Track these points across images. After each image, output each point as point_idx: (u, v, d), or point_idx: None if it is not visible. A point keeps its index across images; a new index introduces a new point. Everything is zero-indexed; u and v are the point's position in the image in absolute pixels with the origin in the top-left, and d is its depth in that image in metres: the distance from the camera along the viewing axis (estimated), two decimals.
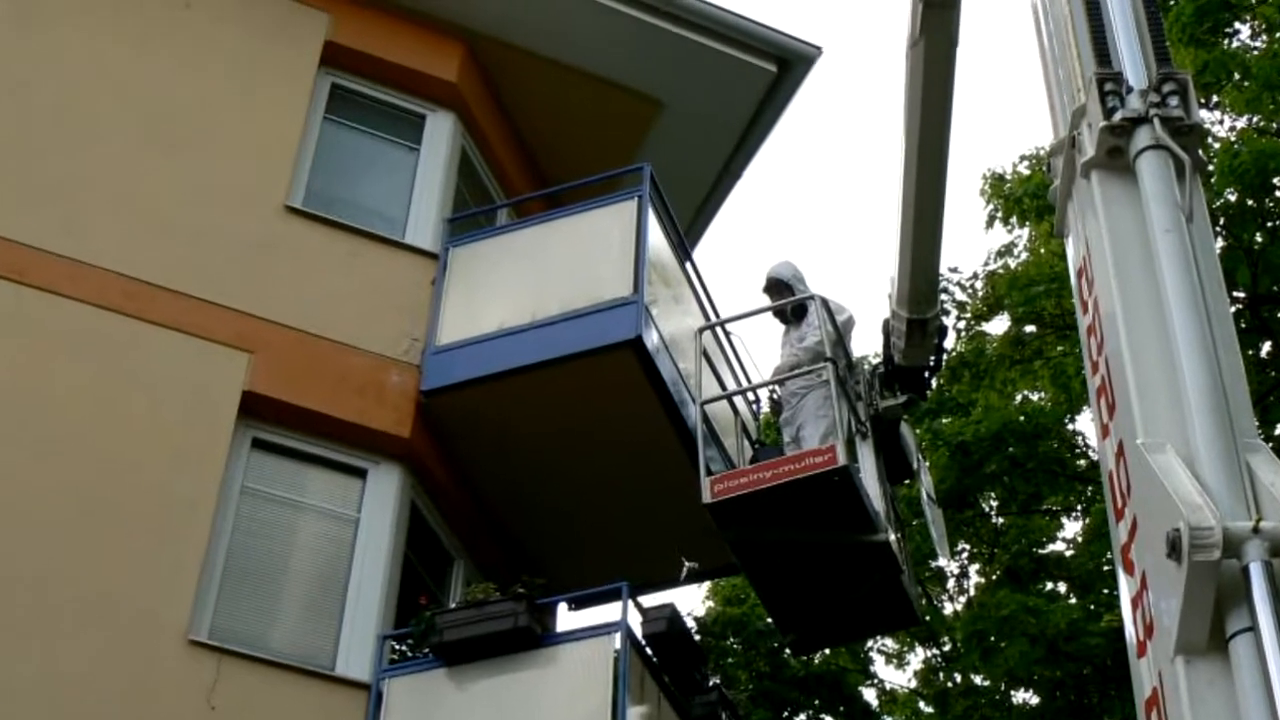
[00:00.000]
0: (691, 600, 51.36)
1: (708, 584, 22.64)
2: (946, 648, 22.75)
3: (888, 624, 14.04)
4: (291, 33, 12.45)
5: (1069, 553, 21.42)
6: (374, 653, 10.27)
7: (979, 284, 20.85)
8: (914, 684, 23.91)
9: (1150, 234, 6.18)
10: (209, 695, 9.54)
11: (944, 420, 19.99)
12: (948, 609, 22.75)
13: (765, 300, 12.02)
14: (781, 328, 12.00)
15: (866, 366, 12.13)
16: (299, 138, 12.01)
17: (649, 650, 10.54)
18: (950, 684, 22.26)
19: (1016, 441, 19.18)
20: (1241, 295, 17.15)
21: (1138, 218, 6.31)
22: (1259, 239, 17.17)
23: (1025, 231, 20.66)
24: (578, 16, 13.19)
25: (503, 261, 11.96)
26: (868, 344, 19.05)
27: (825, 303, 11.30)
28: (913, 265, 10.79)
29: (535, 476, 11.87)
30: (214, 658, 9.70)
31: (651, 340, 11.07)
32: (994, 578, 21.41)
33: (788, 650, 19.23)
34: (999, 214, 20.45)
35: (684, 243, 12.95)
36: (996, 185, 20.63)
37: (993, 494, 20.89)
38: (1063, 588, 21.09)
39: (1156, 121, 6.42)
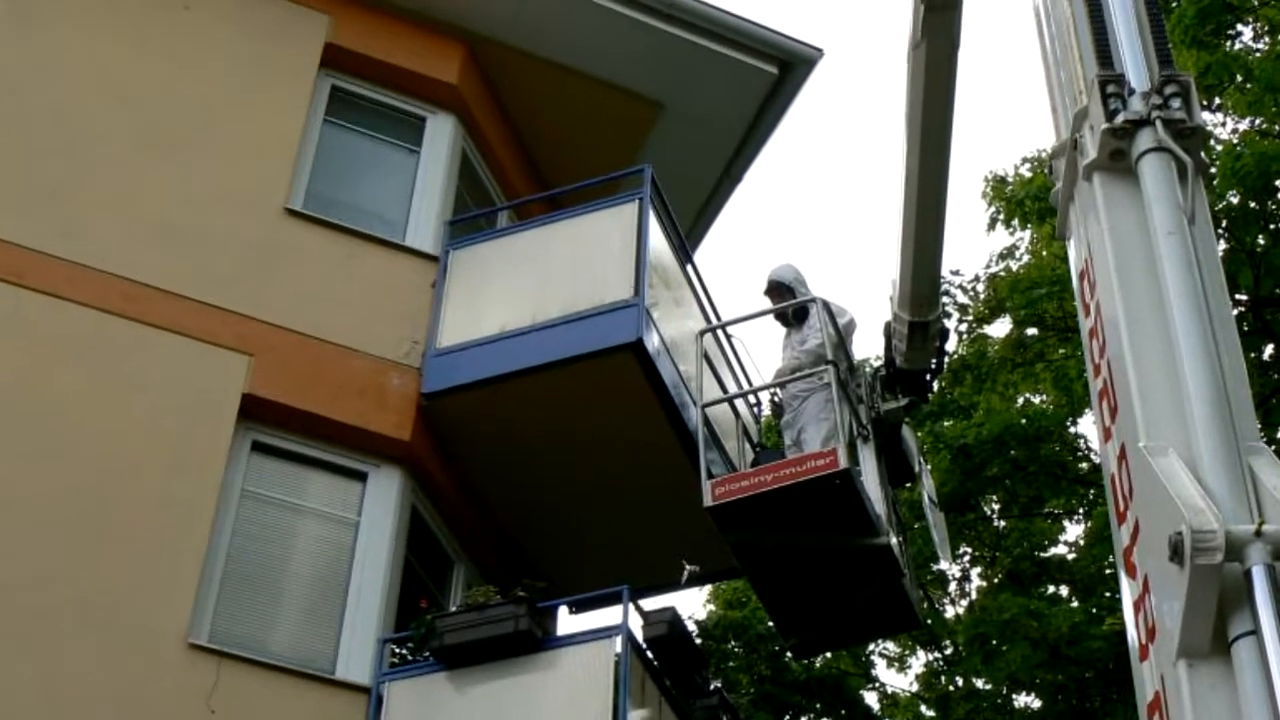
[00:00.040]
0: (693, 604, 51.27)
1: (709, 587, 22.65)
2: (948, 651, 22.73)
3: (889, 627, 14.02)
4: (291, 34, 12.44)
5: (1071, 556, 21.40)
6: (374, 656, 10.25)
7: (981, 286, 20.83)
8: (915, 687, 23.90)
9: (1152, 236, 6.17)
10: (209, 699, 9.52)
11: (946, 423, 19.98)
12: (949, 612, 22.74)
13: (766, 303, 11.99)
14: (783, 330, 11.97)
15: (868, 369, 12.11)
16: (299, 140, 11.99)
17: (650, 654, 10.52)
18: (952, 688, 22.23)
19: (1018, 444, 19.17)
20: (1244, 298, 17.14)
21: (1140, 220, 6.31)
22: (1261, 241, 17.15)
23: (1027, 234, 20.65)
24: (578, 18, 13.18)
25: (503, 264, 11.95)
26: (869, 347, 19.02)
27: (826, 305, 11.28)
28: (914, 268, 10.78)
29: (536, 480, 11.85)
30: (214, 661, 9.68)
31: (652, 343, 11.05)
32: (996, 581, 21.39)
33: (789, 654, 19.19)
34: (1001, 216, 20.42)
35: (685, 245, 12.94)
36: (998, 187, 20.60)
37: (994, 497, 20.88)
38: (1065, 591, 21.07)
39: (1159, 124, 6.42)
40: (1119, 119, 6.51)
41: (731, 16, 13.42)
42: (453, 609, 10.72)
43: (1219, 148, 16.86)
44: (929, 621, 20.54)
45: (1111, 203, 6.50)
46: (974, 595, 22.28)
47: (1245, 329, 16.62)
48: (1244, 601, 5.04)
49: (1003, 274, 20.52)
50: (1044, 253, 20.17)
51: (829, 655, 21.55)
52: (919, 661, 23.96)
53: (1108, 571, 19.21)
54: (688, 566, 11.14)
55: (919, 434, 17.54)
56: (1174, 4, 17.28)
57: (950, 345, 16.64)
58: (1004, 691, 20.76)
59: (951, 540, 18.93)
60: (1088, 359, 6.78)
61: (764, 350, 46.78)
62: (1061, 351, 19.48)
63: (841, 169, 62.77)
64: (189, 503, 10.15)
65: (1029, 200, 19.58)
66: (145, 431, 10.28)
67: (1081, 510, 21.24)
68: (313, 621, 10.49)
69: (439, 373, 11.34)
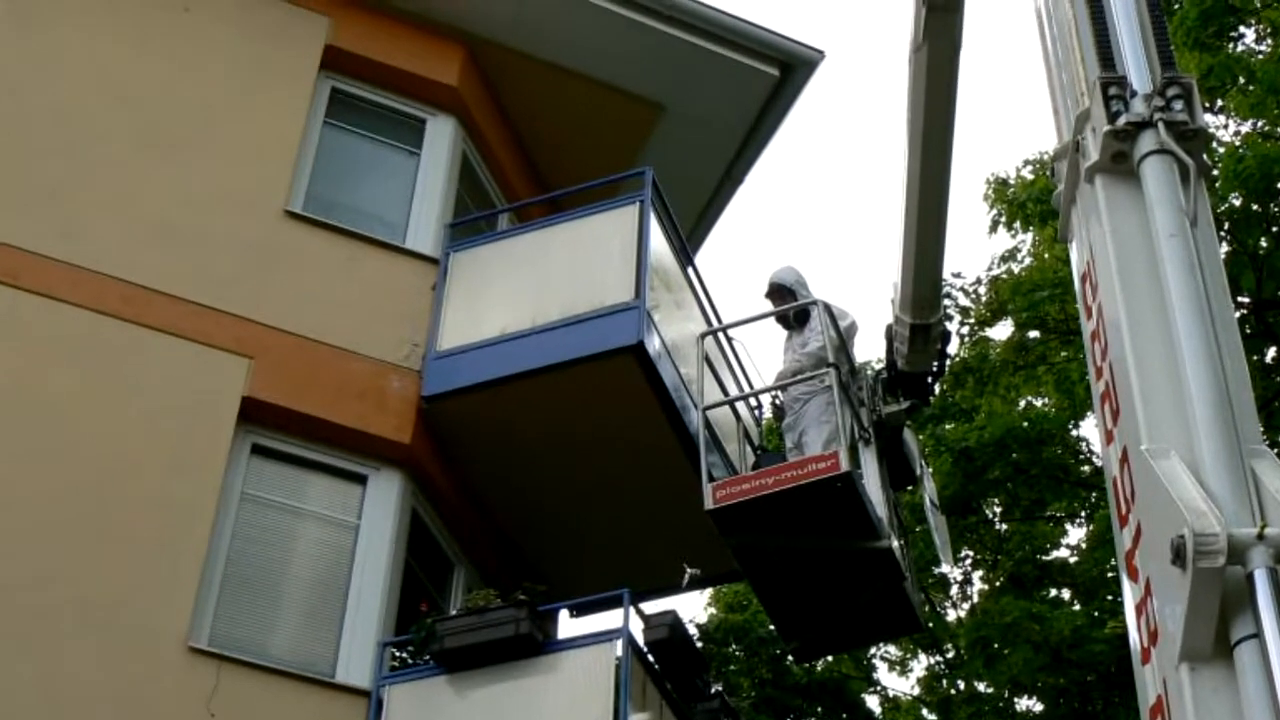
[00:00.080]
0: (693, 607, 51.25)
1: (710, 590, 22.63)
2: (950, 655, 22.69)
3: (890, 631, 14.01)
4: (291, 36, 12.43)
5: (1073, 559, 21.38)
6: (374, 660, 10.24)
7: (982, 289, 20.79)
8: (917, 691, 23.88)
9: (1154, 239, 6.16)
10: (208, 702, 9.51)
11: (947, 426, 19.95)
12: (951, 616, 22.72)
13: (768, 305, 11.99)
14: (784, 333, 11.96)
15: (869, 372, 12.09)
16: (299, 142, 11.99)
17: (651, 657, 10.52)
18: (953, 691, 22.20)
19: (1020, 447, 19.14)
20: (1246, 300, 17.11)
21: (1142, 222, 6.29)
22: (1264, 244, 17.11)
23: (1029, 236, 20.63)
24: (579, 20, 13.17)
25: (504, 266, 11.93)
26: (870, 349, 19.01)
27: (828, 308, 11.28)
28: (916, 270, 10.77)
29: (536, 482, 11.84)
30: (213, 665, 9.67)
31: (653, 345, 11.03)
32: (997, 584, 21.36)
33: (790, 657, 19.18)
34: (1003, 219, 20.39)
35: (686, 247, 12.92)
36: (1000, 190, 20.57)
37: (996, 500, 20.84)
38: (1066, 594, 21.03)
39: (1161, 126, 6.40)
40: (1121, 121, 6.49)
41: (732, 18, 13.41)
42: (453, 612, 10.71)
43: (1221, 150, 16.84)
44: (930, 625, 20.51)
45: (1113, 205, 6.48)
46: (976, 598, 22.26)
47: (1247, 332, 16.59)
48: (1246, 605, 5.02)
49: (1004, 276, 20.49)
50: (1046, 255, 20.14)
51: (830, 659, 21.51)
52: (920, 665, 23.95)
53: (1110, 575, 19.18)
54: (689, 570, 11.12)
55: (920, 437, 17.52)
56: (1176, 5, 17.26)
57: (952, 348, 16.60)
58: (1006, 695, 20.71)
59: (953, 543, 18.88)
60: (1090, 362, 6.76)
61: (765, 353, 46.75)
62: (1063, 354, 19.46)
63: (843, 171, 62.86)
64: (189, 506, 10.14)
65: (1031, 203, 19.55)
66: (144, 434, 10.27)
67: (1083, 513, 21.21)
68: (313, 625, 10.48)
69: (439, 375, 11.32)
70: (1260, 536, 5.07)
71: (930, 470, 14.37)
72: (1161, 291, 6.01)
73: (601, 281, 11.40)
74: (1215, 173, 15.81)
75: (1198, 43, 16.96)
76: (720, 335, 12.57)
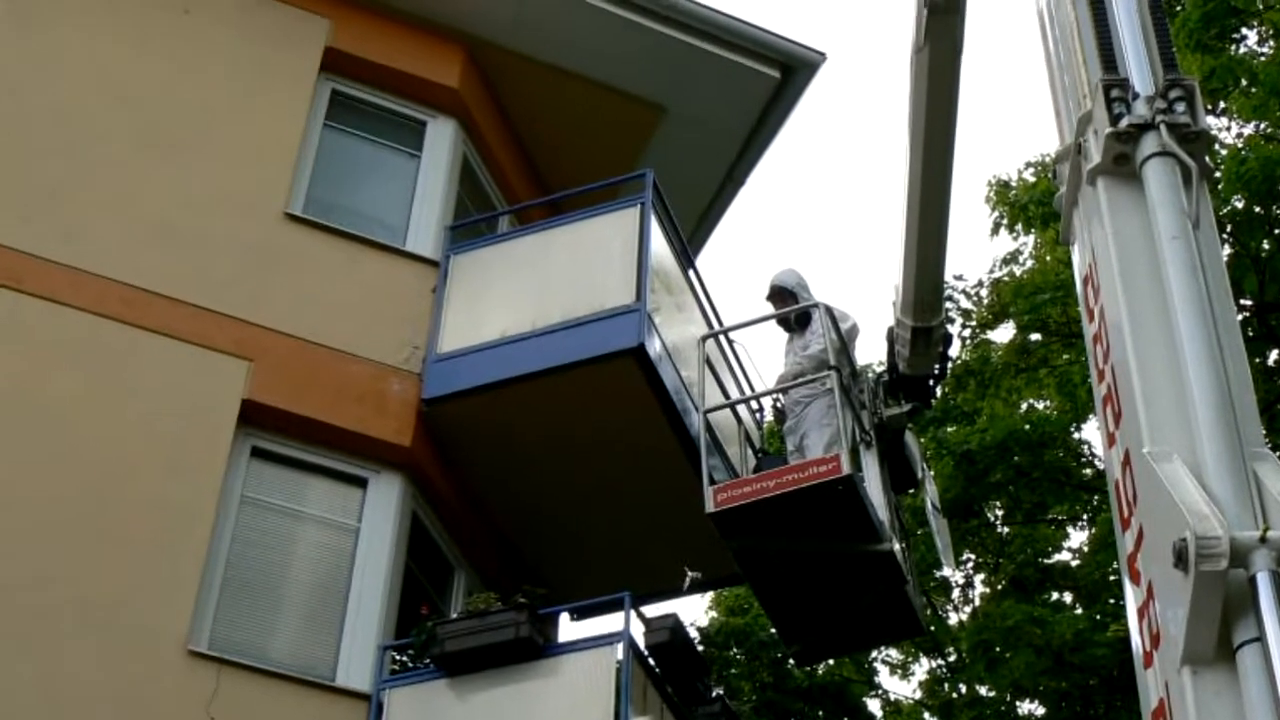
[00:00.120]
0: (694, 610, 51.27)
1: (711, 594, 22.61)
2: (951, 658, 22.67)
3: (892, 634, 13.97)
4: (292, 38, 12.42)
5: (1075, 562, 21.35)
6: (374, 663, 10.23)
7: (984, 291, 20.76)
8: (919, 695, 23.84)
9: (1157, 241, 6.14)
10: (208, 706, 9.50)
11: (949, 429, 19.95)
12: (952, 619, 22.69)
13: (769, 308, 11.98)
14: (785, 336, 11.96)
15: (871, 375, 12.08)
16: (299, 144, 11.97)
17: (652, 661, 10.50)
18: (955, 695, 22.17)
19: (1022, 450, 19.12)
20: (1248, 303, 17.10)
21: (1144, 225, 6.28)
22: (1266, 246, 17.10)
23: (1031, 239, 20.60)
24: (579, 21, 13.15)
25: (504, 269, 11.92)
26: (872, 352, 19.03)
27: (829, 310, 11.27)
28: (918, 273, 10.75)
29: (537, 486, 11.83)
30: (213, 668, 9.66)
31: (654, 348, 11.02)
32: (999, 588, 21.34)
33: (791, 661, 19.16)
34: (1004, 221, 20.36)
35: (687, 250, 12.91)
36: (1002, 192, 20.55)
37: (998, 503, 20.82)
38: (1068, 598, 21.01)
39: (1163, 128, 6.39)
40: (1123, 123, 6.48)
41: (733, 20, 13.39)
42: (453, 615, 10.70)
43: (1223, 152, 16.82)
44: (932, 628, 20.47)
45: (1115, 207, 6.47)
46: (977, 602, 22.23)
47: (1250, 334, 16.58)
48: (1248, 608, 5.01)
49: (1006, 279, 20.47)
50: (1048, 258, 20.12)
51: (831, 662, 21.47)
52: (922, 668, 23.91)
53: (1111, 578, 19.16)
54: (689, 573, 11.11)
55: (922, 440, 17.50)
56: (1178, 7, 17.25)
57: (953, 351, 16.53)
58: (1007, 699, 20.69)
59: (954, 546, 18.86)
60: (1091, 364, 6.75)
61: (766, 355, 46.77)
62: (1065, 357, 19.43)
63: (844, 173, 62.85)
64: (188, 508, 10.12)
65: (1033, 205, 19.53)
66: (144, 436, 10.26)
67: (1085, 516, 21.20)
68: (313, 628, 10.46)
69: (439, 378, 11.31)
70: (1263, 539, 5.06)
71: (932, 473, 14.34)
72: (1164, 294, 6.00)
73: (602, 284, 11.39)
74: (1217, 175, 15.80)
75: (1200, 44, 16.94)
76: (721, 338, 12.56)
